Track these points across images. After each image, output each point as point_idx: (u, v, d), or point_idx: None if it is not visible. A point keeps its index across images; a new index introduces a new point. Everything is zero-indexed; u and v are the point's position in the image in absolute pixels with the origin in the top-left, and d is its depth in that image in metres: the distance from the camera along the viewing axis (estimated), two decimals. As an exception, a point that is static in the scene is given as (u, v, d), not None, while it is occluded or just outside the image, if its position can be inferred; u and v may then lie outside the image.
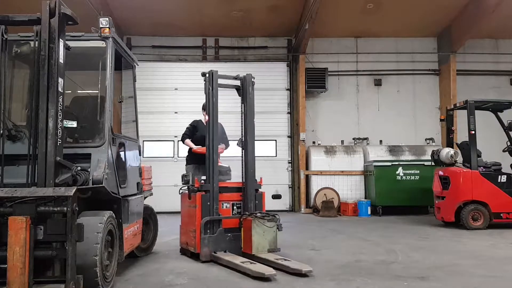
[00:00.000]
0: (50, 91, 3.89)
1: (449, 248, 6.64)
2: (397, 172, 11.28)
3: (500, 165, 8.79)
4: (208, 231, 5.67)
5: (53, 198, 3.64)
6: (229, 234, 5.75)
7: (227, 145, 6.80)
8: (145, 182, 6.02)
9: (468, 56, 13.15)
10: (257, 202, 5.91)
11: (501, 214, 8.44)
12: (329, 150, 12.39)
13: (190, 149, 6.68)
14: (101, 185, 4.18)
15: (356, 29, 12.91)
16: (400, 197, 11.12)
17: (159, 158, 12.08)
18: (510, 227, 8.45)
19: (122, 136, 5.22)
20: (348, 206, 11.51)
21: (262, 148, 12.62)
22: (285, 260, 5.15)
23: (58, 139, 3.92)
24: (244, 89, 6.07)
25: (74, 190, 3.65)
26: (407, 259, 5.75)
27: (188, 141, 6.74)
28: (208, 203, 5.69)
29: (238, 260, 5.21)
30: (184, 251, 6.14)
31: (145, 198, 5.97)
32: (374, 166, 11.42)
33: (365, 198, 11.82)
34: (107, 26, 4.65)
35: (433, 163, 9.64)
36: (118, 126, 5.78)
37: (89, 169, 4.24)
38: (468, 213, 8.42)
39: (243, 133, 6.07)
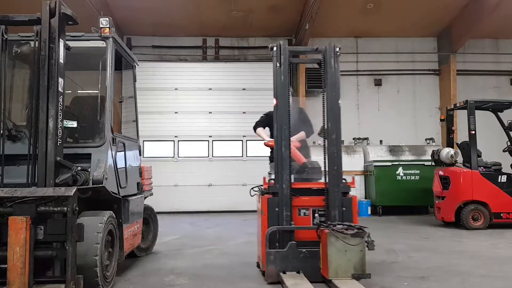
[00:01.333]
0: (50, 91, 3.90)
1: (449, 248, 6.63)
2: (397, 172, 11.27)
3: (500, 165, 8.79)
4: (277, 244, 4.52)
5: (53, 198, 3.64)
6: (304, 250, 4.46)
7: (308, 133, 5.63)
8: (145, 182, 6.01)
9: (468, 56, 13.15)
10: (344, 209, 4.57)
11: (501, 214, 8.43)
12: (329, 150, 12.37)
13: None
14: (101, 185, 4.18)
15: (356, 29, 12.91)
16: (400, 197, 11.12)
17: (159, 158, 12.08)
18: (510, 227, 8.44)
19: (122, 136, 5.22)
20: (348, 206, 11.50)
21: (262, 148, 12.61)
22: None
23: (58, 139, 3.92)
24: (326, 62, 4.81)
25: (74, 190, 3.65)
26: (407, 259, 5.75)
27: (260, 130, 5.66)
28: (276, 208, 4.57)
29: (287, 284, 4.11)
30: (259, 265, 5.11)
31: (145, 198, 5.97)
32: (374, 166, 11.42)
33: (365, 198, 11.82)
34: (107, 26, 4.65)
35: (433, 163, 9.64)
36: (118, 126, 5.78)
37: (89, 169, 4.25)
38: (468, 213, 8.42)
39: (325, 119, 4.83)
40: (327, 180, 4.71)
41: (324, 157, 4.78)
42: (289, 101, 4.81)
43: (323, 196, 4.68)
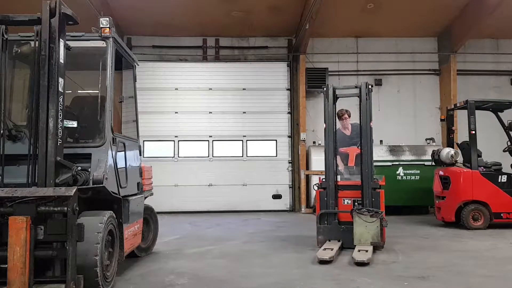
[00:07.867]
0: (51, 91, 3.90)
1: (449, 248, 6.64)
2: (397, 172, 11.27)
3: (501, 165, 8.78)
4: (325, 222, 6.52)
5: (54, 198, 3.64)
6: (343, 226, 6.41)
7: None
8: (146, 182, 6.01)
9: (468, 56, 13.13)
10: (373, 199, 6.34)
11: (502, 214, 8.43)
12: (330, 150, 12.36)
13: None
14: (101, 185, 4.18)
15: (356, 29, 12.90)
16: (400, 197, 11.09)
17: (160, 158, 12.09)
18: (510, 227, 8.44)
19: (123, 136, 5.23)
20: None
21: (262, 148, 12.66)
22: (359, 251, 5.68)
23: (59, 139, 3.92)
24: (361, 95, 6.69)
25: (74, 190, 3.65)
26: (407, 259, 5.76)
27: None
28: (325, 198, 6.55)
29: (325, 246, 6.06)
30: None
31: (145, 198, 5.98)
32: (375, 166, 11.37)
33: (366, 198, 11.80)
34: (108, 26, 4.65)
35: (433, 163, 9.64)
36: (118, 126, 5.78)
37: (89, 169, 4.25)
38: (469, 213, 8.42)
39: (360, 136, 6.66)
40: (362, 179, 6.52)
41: (360, 163, 6.63)
42: (334, 125, 6.79)
43: (360, 191, 6.47)
